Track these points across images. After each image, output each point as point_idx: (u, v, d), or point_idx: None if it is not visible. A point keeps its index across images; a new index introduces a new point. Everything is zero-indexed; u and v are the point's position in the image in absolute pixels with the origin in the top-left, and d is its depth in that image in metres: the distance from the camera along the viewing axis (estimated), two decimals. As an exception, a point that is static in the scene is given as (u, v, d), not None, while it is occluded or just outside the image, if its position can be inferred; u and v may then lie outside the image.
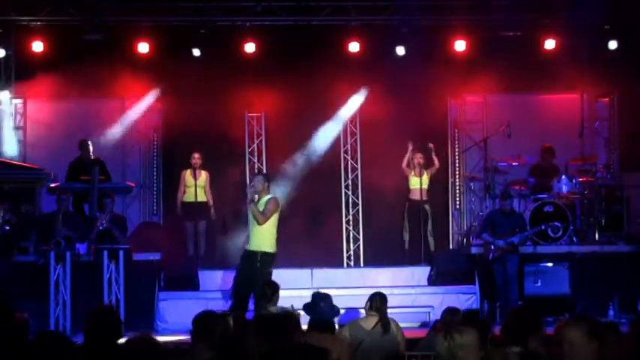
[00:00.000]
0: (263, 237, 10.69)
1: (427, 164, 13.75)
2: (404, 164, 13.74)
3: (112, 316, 5.57)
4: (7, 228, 11.96)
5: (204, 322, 5.90)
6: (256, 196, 10.72)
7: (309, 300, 9.21)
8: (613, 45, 13.92)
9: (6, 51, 13.86)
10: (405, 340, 8.36)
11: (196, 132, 14.10)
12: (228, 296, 11.49)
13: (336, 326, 8.11)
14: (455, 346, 4.91)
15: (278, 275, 11.46)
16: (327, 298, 8.08)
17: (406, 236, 13.76)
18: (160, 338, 10.33)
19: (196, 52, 13.86)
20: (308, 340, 6.71)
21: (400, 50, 13.99)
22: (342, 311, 9.60)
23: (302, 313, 8.60)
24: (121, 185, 13.44)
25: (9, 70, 14.11)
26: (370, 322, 8.21)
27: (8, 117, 14.41)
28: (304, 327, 7.09)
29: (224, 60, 14.04)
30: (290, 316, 5.71)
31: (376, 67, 14.04)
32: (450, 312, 8.19)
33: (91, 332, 5.44)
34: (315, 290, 9.67)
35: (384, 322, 8.20)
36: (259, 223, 10.63)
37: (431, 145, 13.84)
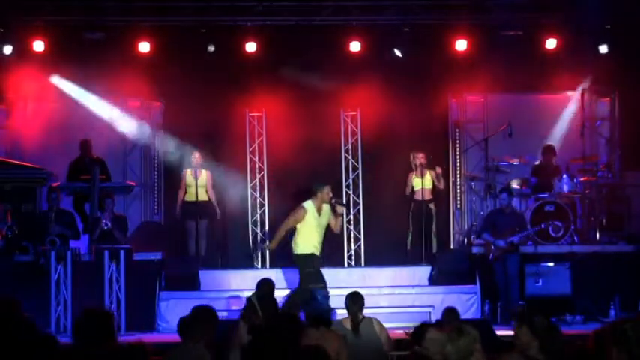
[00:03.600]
0: None
1: (429, 165, 13.72)
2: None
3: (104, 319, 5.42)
4: (10, 234, 11.98)
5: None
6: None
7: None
8: (603, 49, 13.88)
9: (6, 50, 13.84)
10: (390, 339, 8.34)
11: (197, 132, 14.11)
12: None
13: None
14: (468, 342, 4.88)
15: (278, 275, 11.49)
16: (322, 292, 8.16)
17: (410, 237, 13.74)
18: (161, 338, 10.41)
19: (211, 47, 13.82)
20: (305, 336, 6.72)
21: (401, 50, 13.97)
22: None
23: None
24: (122, 185, 13.46)
25: (9, 69, 14.09)
26: (347, 323, 8.26)
27: None
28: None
29: (225, 59, 14.03)
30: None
31: (377, 67, 14.04)
32: (449, 312, 8.19)
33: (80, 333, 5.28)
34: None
35: (354, 322, 8.22)
36: (338, 231, 11.33)
37: (438, 170, 13.62)
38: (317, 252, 10.93)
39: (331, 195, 11.03)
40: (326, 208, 11.04)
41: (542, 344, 5.47)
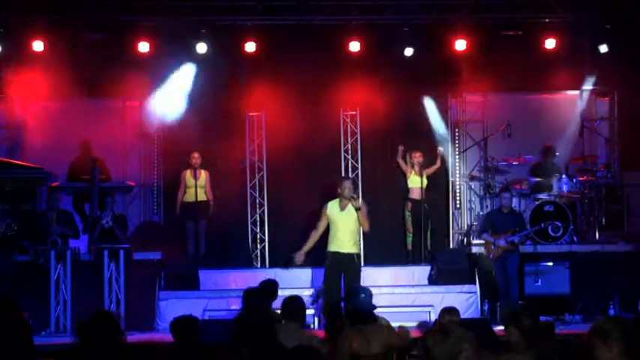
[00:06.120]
0: (358, 239, 11.35)
1: (427, 163, 13.77)
2: (399, 161, 13.89)
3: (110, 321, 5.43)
4: (8, 232, 11.98)
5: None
6: (361, 201, 11.24)
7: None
8: (604, 49, 13.86)
9: (6, 50, 13.84)
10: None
11: (196, 132, 14.11)
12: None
13: None
14: (453, 343, 4.85)
15: (278, 275, 11.48)
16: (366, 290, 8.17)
17: (409, 236, 13.76)
18: (160, 338, 10.41)
19: (201, 47, 13.80)
20: (351, 332, 6.75)
21: (401, 50, 13.97)
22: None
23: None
24: (122, 184, 13.44)
25: (8, 70, 14.08)
26: None
27: None
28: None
29: (225, 59, 14.02)
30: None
31: (377, 67, 14.03)
32: (447, 312, 8.18)
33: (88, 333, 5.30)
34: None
35: None
36: (366, 229, 11.19)
37: (441, 150, 14.14)
38: (342, 250, 11.09)
39: (348, 189, 11.15)
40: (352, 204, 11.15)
41: (529, 345, 5.45)
